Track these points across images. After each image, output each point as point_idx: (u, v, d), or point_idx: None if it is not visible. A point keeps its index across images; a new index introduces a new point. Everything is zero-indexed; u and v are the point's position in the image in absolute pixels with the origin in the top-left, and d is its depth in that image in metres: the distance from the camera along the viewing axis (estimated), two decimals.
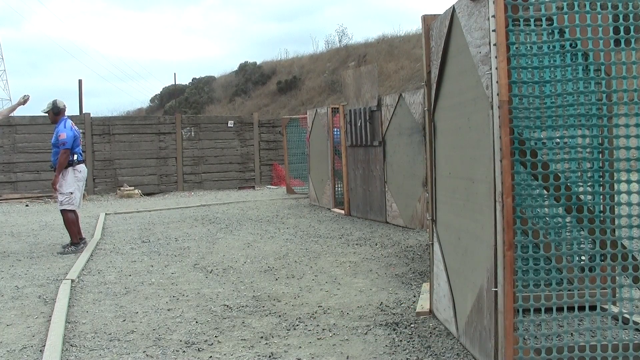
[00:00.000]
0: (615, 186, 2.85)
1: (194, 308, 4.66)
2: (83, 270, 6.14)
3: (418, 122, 8.01)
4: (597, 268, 2.84)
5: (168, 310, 4.62)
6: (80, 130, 16.07)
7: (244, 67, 42.38)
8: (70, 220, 7.38)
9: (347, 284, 5.34)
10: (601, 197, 2.99)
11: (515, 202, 2.79)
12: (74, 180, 7.33)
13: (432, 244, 4.22)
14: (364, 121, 9.48)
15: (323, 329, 4.03)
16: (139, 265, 6.40)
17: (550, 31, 2.83)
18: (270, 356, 3.56)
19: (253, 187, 17.37)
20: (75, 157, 7.35)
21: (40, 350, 3.71)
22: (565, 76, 2.94)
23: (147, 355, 3.63)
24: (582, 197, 2.92)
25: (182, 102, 41.60)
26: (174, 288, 5.34)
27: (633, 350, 2.80)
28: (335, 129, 11.08)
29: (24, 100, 7.67)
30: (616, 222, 2.80)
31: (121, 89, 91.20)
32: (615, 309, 3.36)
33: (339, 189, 11.14)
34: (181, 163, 17.05)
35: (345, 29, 53.29)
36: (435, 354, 3.50)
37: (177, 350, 3.70)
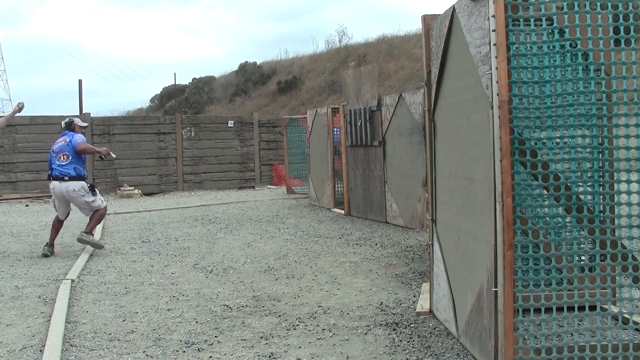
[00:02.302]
0: (615, 186, 2.85)
1: (194, 308, 4.66)
2: (83, 270, 6.14)
3: (418, 122, 8.01)
4: (597, 268, 2.84)
5: (168, 310, 4.62)
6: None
7: (244, 67, 42.37)
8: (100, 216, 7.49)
9: (347, 284, 5.34)
10: (601, 197, 2.99)
11: (515, 202, 2.79)
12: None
13: (432, 244, 4.22)
14: (364, 121, 9.48)
15: (323, 329, 4.03)
16: (139, 265, 6.40)
17: (550, 31, 2.83)
18: (270, 356, 3.56)
19: (253, 187, 17.37)
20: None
21: (40, 350, 3.71)
22: (565, 76, 2.94)
23: (147, 355, 3.62)
24: (582, 197, 2.93)
25: (182, 102, 41.59)
26: (174, 288, 5.34)
27: (633, 350, 2.80)
28: (335, 129, 11.07)
29: (19, 109, 7.73)
30: (616, 222, 2.80)
31: (121, 89, 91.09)
32: (615, 309, 3.36)
33: (339, 189, 11.13)
34: (181, 163, 17.05)
35: (345, 29, 53.27)
36: (435, 354, 3.50)
37: (177, 350, 3.70)
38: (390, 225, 8.95)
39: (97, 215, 7.33)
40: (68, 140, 7.26)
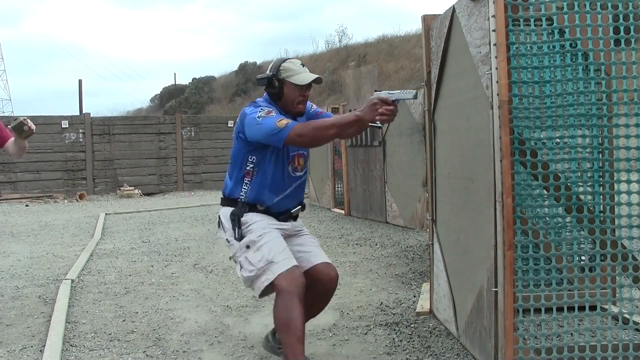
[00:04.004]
0: (615, 186, 2.85)
1: (194, 308, 4.66)
2: (83, 270, 6.14)
3: (418, 122, 8.01)
4: (597, 268, 2.84)
5: (168, 310, 4.62)
6: (80, 131, 16.19)
7: (244, 67, 42.40)
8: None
9: (347, 284, 5.34)
10: (601, 197, 2.99)
11: (515, 202, 2.79)
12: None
13: (432, 244, 4.22)
14: None
15: (323, 329, 4.03)
16: (139, 265, 6.40)
17: (550, 31, 2.82)
18: (270, 356, 3.56)
19: None
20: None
21: (40, 350, 3.70)
22: (565, 76, 2.94)
23: (147, 355, 3.62)
24: (582, 197, 2.92)
25: (182, 102, 41.61)
26: (174, 288, 5.34)
27: (633, 350, 2.80)
28: None
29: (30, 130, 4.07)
30: (616, 222, 2.80)
31: (121, 89, 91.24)
32: (615, 309, 3.36)
33: (339, 189, 11.13)
34: (181, 163, 17.06)
35: (345, 29, 53.48)
36: (435, 354, 3.50)
37: (177, 350, 3.70)
38: (390, 225, 8.95)
39: (274, 317, 3.04)
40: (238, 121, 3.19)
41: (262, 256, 2.96)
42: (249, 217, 3.11)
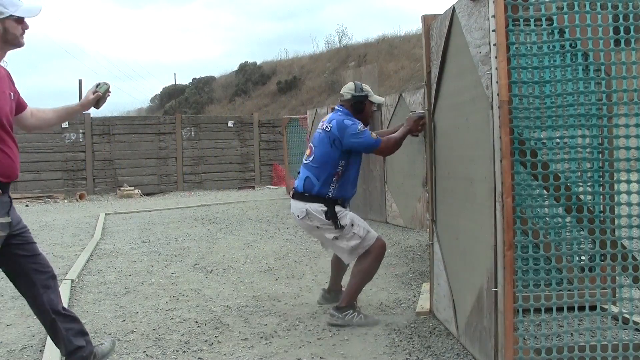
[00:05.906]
0: (615, 186, 2.85)
1: (194, 308, 4.66)
2: (83, 270, 6.14)
3: None
4: (597, 268, 2.84)
5: (168, 310, 4.62)
6: (81, 131, 16.19)
7: (244, 67, 42.38)
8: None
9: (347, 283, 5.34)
10: (601, 197, 2.99)
11: (515, 202, 2.79)
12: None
13: (432, 244, 4.22)
14: None
15: (323, 329, 4.03)
16: (139, 265, 6.40)
17: (550, 31, 2.83)
18: (270, 356, 3.56)
19: (253, 187, 17.38)
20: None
21: (40, 350, 3.71)
22: (565, 76, 2.94)
23: (147, 355, 3.62)
24: (582, 197, 2.93)
25: (182, 102, 41.62)
26: (174, 288, 5.34)
27: (633, 350, 2.80)
28: None
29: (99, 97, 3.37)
30: (616, 222, 2.81)
31: (121, 89, 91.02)
32: (615, 309, 3.36)
33: None
34: (181, 163, 17.06)
35: (345, 28, 53.49)
36: (435, 354, 3.50)
37: (177, 350, 3.70)
38: (390, 225, 8.95)
39: (361, 269, 4.13)
40: (327, 124, 4.20)
41: (362, 227, 4.12)
42: (336, 209, 4.13)
